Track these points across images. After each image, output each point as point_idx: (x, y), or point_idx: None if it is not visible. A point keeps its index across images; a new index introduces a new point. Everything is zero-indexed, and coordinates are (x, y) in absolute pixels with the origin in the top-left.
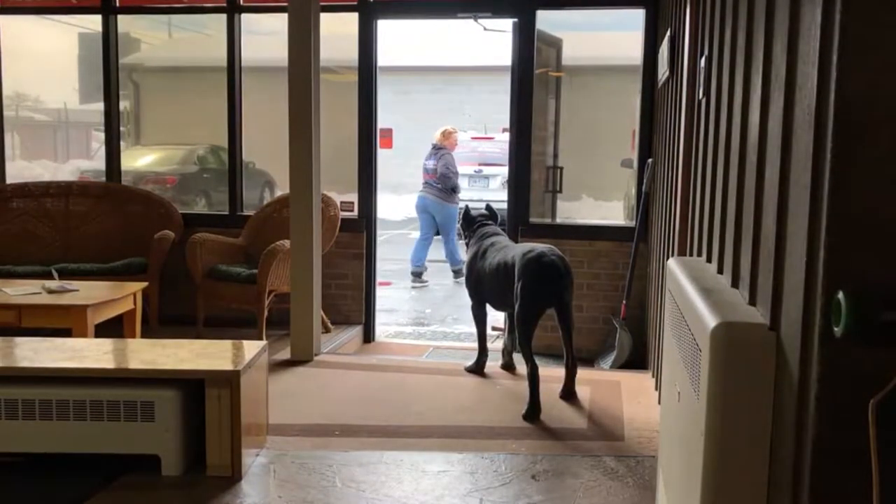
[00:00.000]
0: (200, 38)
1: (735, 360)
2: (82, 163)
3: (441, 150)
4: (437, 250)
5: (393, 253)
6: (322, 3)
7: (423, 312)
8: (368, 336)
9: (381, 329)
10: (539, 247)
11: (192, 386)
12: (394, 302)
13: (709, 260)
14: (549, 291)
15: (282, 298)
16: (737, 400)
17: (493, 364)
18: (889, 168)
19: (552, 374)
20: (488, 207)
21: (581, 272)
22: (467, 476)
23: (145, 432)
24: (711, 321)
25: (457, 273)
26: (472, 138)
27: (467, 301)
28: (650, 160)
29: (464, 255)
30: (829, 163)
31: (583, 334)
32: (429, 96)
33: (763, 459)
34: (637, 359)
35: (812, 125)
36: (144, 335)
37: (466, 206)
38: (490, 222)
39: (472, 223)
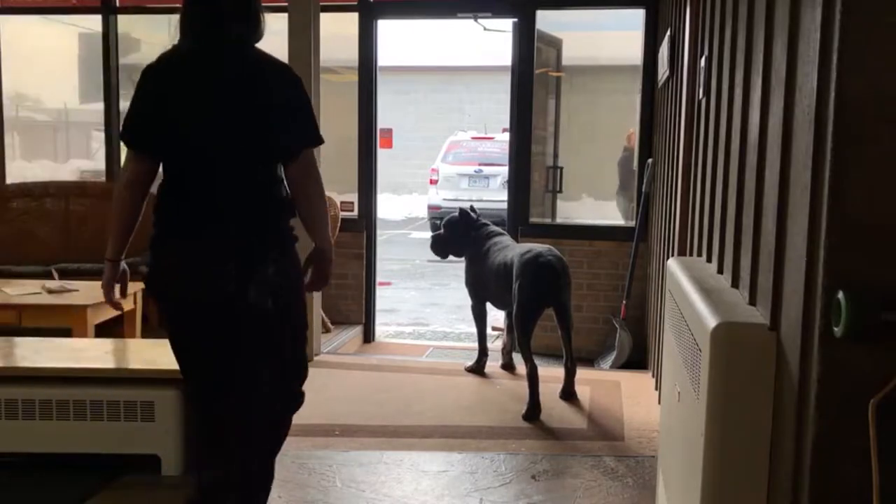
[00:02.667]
0: None
1: (735, 360)
2: (82, 163)
3: (625, 150)
4: None
5: (393, 253)
6: (322, 3)
7: (423, 312)
8: (368, 336)
9: (381, 329)
10: (537, 247)
11: None
12: (394, 302)
13: (709, 260)
14: (547, 292)
15: None
16: (737, 400)
17: (493, 364)
18: (889, 168)
19: (552, 374)
20: (473, 210)
21: (581, 272)
22: (467, 476)
23: (145, 432)
24: (711, 321)
25: None
26: (472, 138)
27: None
28: (650, 160)
29: None
30: (829, 163)
31: (583, 334)
32: (429, 96)
33: (763, 459)
34: (637, 359)
35: (812, 125)
36: (144, 335)
37: (463, 209)
38: (487, 221)
39: (474, 224)
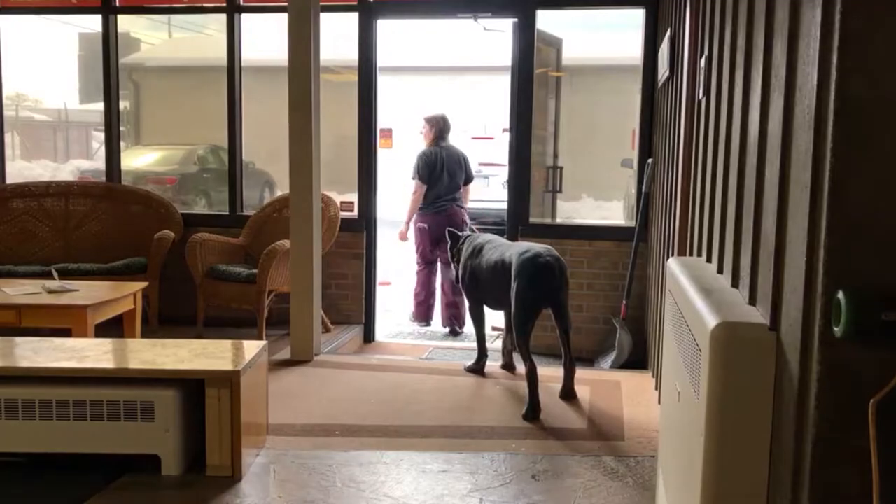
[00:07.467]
0: (200, 38)
1: (735, 360)
2: (82, 163)
3: None
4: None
5: (393, 252)
6: (322, 3)
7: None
8: (368, 336)
9: (381, 329)
10: (536, 247)
11: (192, 386)
12: (394, 302)
13: (709, 260)
14: (544, 292)
15: (282, 298)
16: (737, 400)
17: (493, 364)
18: (889, 168)
19: (552, 373)
20: (470, 228)
21: (581, 272)
22: (467, 476)
23: (145, 432)
24: (711, 321)
25: None
26: (472, 138)
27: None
28: (650, 160)
29: None
30: (829, 163)
31: (583, 334)
32: (429, 96)
33: (763, 459)
34: (637, 359)
35: (812, 125)
36: (144, 335)
37: (450, 230)
38: (471, 233)
39: (458, 240)
